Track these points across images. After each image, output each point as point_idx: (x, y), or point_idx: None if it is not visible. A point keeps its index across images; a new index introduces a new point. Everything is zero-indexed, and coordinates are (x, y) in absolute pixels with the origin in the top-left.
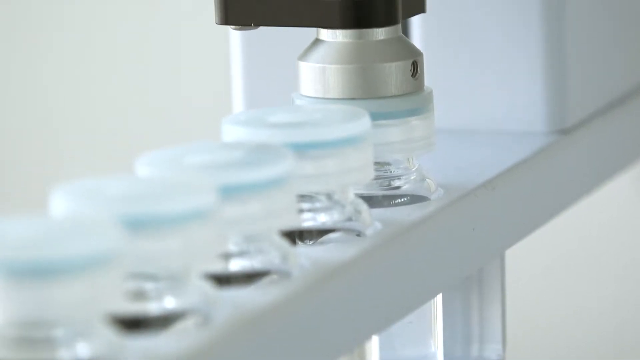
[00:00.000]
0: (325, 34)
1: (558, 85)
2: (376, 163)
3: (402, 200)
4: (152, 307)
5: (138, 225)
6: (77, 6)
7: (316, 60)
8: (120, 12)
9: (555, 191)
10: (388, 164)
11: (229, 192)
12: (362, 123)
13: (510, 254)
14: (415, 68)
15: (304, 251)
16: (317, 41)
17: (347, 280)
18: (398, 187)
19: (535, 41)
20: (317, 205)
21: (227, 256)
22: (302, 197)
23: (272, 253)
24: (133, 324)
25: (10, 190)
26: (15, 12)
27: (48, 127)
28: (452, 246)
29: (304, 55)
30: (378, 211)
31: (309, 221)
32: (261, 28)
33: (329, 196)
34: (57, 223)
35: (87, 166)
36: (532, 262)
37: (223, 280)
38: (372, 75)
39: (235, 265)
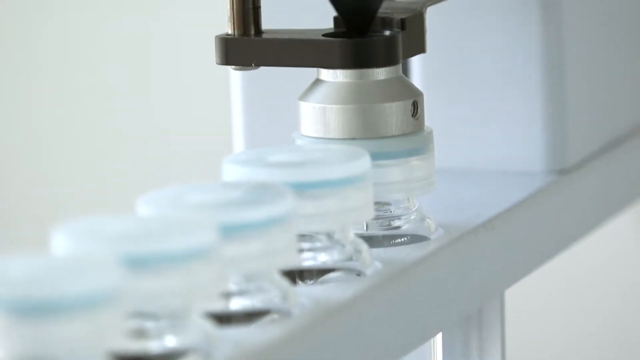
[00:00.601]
0: (325, 74)
1: (557, 126)
2: (376, 203)
3: (402, 240)
4: (153, 346)
5: (139, 263)
6: (78, 45)
7: (317, 100)
8: (120, 51)
9: (555, 231)
10: (388, 203)
11: (230, 231)
12: (362, 163)
13: (510, 293)
14: (416, 108)
15: (304, 290)
16: (317, 81)
17: (347, 319)
18: (398, 227)
19: (535, 81)
20: (317, 244)
21: (227, 295)
22: (303, 237)
23: (272, 292)
24: None
25: (12, 228)
26: (13, 57)
27: (50, 168)
28: (452, 286)
29: (304, 95)
30: (378, 251)
31: (309, 260)
32: (262, 68)
33: (329, 236)
34: (59, 261)
35: (88, 206)
36: (532, 301)
37: (224, 319)
38: (373, 115)
39: (236, 304)
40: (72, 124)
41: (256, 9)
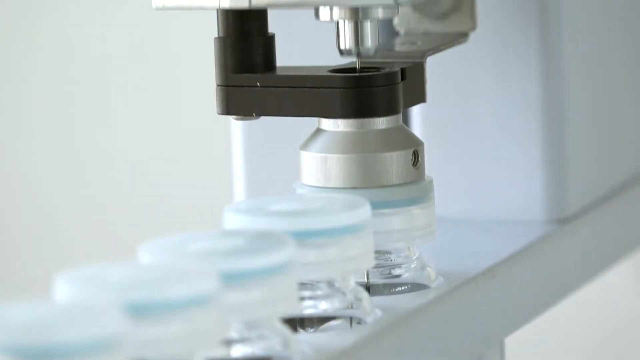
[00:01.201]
0: (326, 123)
1: (557, 175)
2: (377, 251)
3: (403, 288)
4: None
5: (140, 310)
6: (79, 97)
7: (317, 150)
8: (121, 100)
9: (555, 279)
10: (389, 252)
11: (231, 279)
12: (362, 212)
13: (510, 341)
14: (416, 157)
15: (305, 338)
16: (318, 130)
17: None
18: (399, 276)
19: (535, 131)
20: (318, 292)
21: (228, 342)
22: (303, 285)
23: (273, 340)
24: None
25: (15, 275)
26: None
27: (53, 215)
28: (452, 333)
29: (305, 145)
30: (379, 299)
31: (310, 308)
32: (262, 117)
33: (329, 284)
34: (61, 308)
35: (89, 254)
36: (532, 349)
37: None
38: (374, 165)
39: (237, 352)
40: (74, 172)
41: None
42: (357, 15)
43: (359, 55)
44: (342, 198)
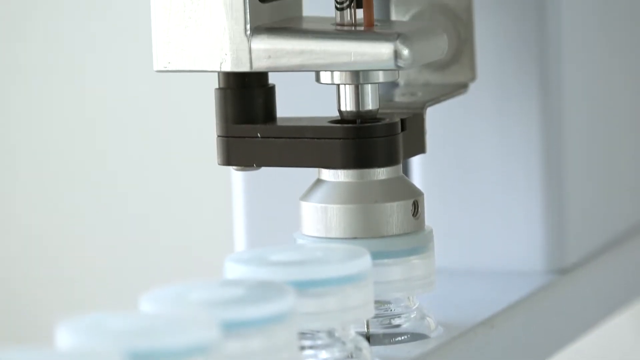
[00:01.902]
0: (326, 173)
1: (557, 225)
2: (377, 301)
3: (403, 338)
4: None
5: (141, 359)
6: (78, 143)
7: (318, 200)
8: (122, 150)
9: (554, 330)
10: (388, 302)
11: (231, 329)
12: (362, 262)
13: None
14: (416, 208)
15: None
16: (318, 181)
17: None
18: (398, 326)
19: (534, 182)
20: (318, 342)
21: None
22: (304, 334)
23: None
24: None
25: (16, 322)
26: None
27: (54, 264)
28: None
29: (305, 195)
30: (378, 348)
31: (310, 358)
32: (263, 168)
33: (330, 333)
34: (62, 356)
35: (91, 303)
36: None
37: None
38: (374, 215)
39: None
40: (75, 221)
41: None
42: (357, 79)
43: (359, 117)
44: (342, 248)
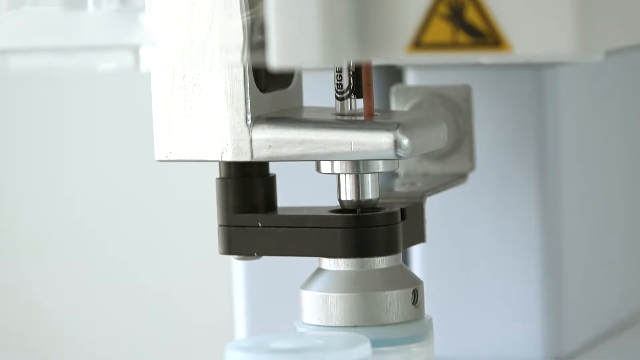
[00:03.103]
0: (327, 262)
1: (555, 314)
2: None
3: None
4: None
5: None
6: (79, 236)
7: (318, 289)
8: (123, 242)
9: None
10: None
11: None
12: (362, 349)
13: None
14: (416, 296)
15: None
16: (319, 270)
17: None
18: None
19: (533, 271)
20: None
21: None
22: None
23: None
24: None
25: None
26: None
27: (55, 347)
28: None
29: (306, 284)
30: None
31: None
32: (264, 257)
33: None
34: None
35: None
36: None
37: None
38: (374, 303)
39: None
40: (76, 310)
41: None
42: (358, 168)
43: (360, 206)
44: (342, 336)
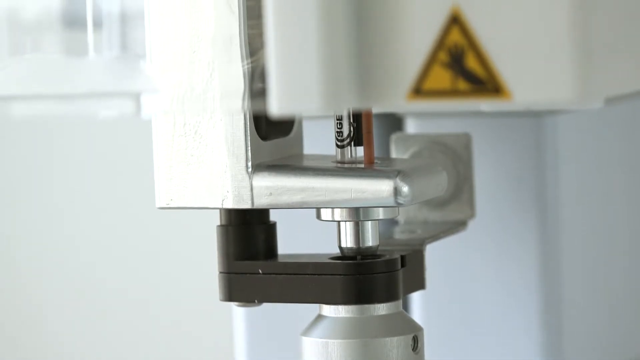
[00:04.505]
0: (327, 309)
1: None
2: None
3: None
4: None
5: None
6: (76, 286)
7: (319, 335)
8: (121, 289)
9: None
10: None
11: None
12: None
13: None
14: (416, 343)
15: None
16: (319, 316)
17: None
18: None
19: (533, 318)
20: None
21: None
22: None
23: None
24: None
25: None
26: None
27: None
28: None
29: (306, 331)
30: None
31: None
32: (264, 304)
33: None
34: None
35: None
36: None
37: None
38: (374, 350)
39: None
40: (73, 328)
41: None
42: (358, 216)
43: (360, 253)
44: None
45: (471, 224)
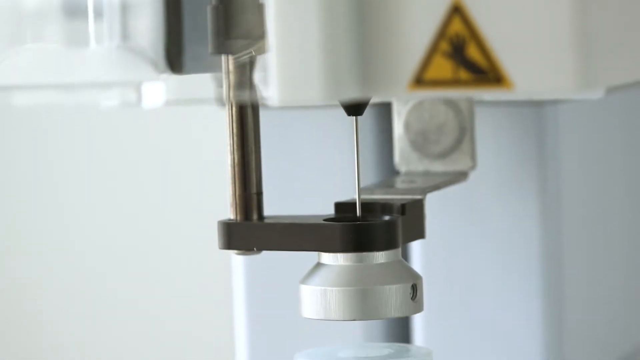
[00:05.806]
0: (326, 257)
1: (556, 345)
2: None
3: None
4: None
5: None
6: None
7: (317, 283)
8: (123, 256)
9: None
10: None
11: None
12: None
13: None
14: (415, 291)
15: None
16: (318, 265)
17: None
18: None
19: (535, 269)
20: None
21: None
22: None
23: None
24: None
25: None
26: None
27: None
28: None
29: (305, 279)
30: None
31: None
32: (263, 252)
33: None
34: None
35: None
36: None
37: None
38: (373, 298)
39: None
40: (74, 330)
41: (259, 195)
42: None
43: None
44: (407, 346)
45: (472, 174)
